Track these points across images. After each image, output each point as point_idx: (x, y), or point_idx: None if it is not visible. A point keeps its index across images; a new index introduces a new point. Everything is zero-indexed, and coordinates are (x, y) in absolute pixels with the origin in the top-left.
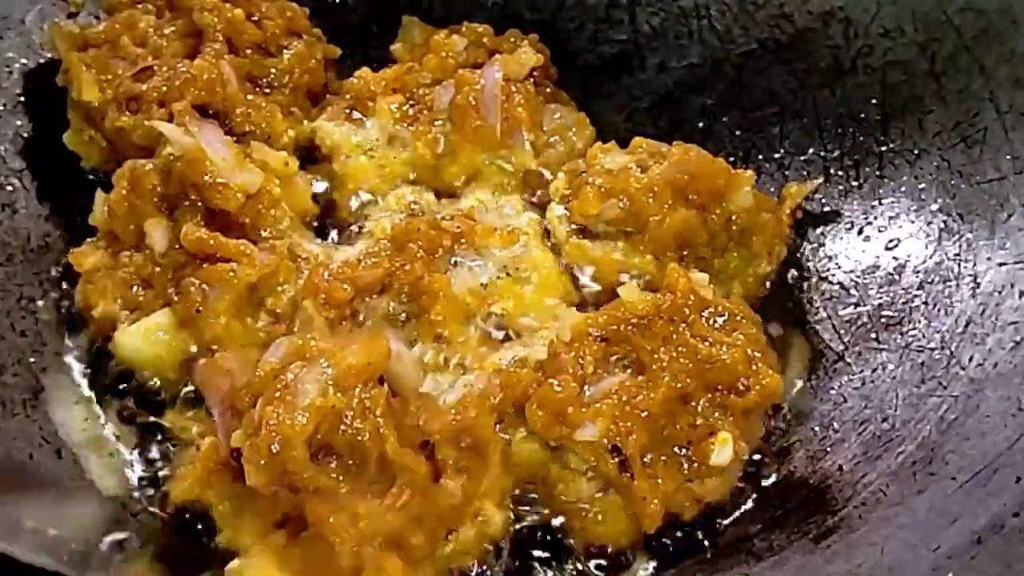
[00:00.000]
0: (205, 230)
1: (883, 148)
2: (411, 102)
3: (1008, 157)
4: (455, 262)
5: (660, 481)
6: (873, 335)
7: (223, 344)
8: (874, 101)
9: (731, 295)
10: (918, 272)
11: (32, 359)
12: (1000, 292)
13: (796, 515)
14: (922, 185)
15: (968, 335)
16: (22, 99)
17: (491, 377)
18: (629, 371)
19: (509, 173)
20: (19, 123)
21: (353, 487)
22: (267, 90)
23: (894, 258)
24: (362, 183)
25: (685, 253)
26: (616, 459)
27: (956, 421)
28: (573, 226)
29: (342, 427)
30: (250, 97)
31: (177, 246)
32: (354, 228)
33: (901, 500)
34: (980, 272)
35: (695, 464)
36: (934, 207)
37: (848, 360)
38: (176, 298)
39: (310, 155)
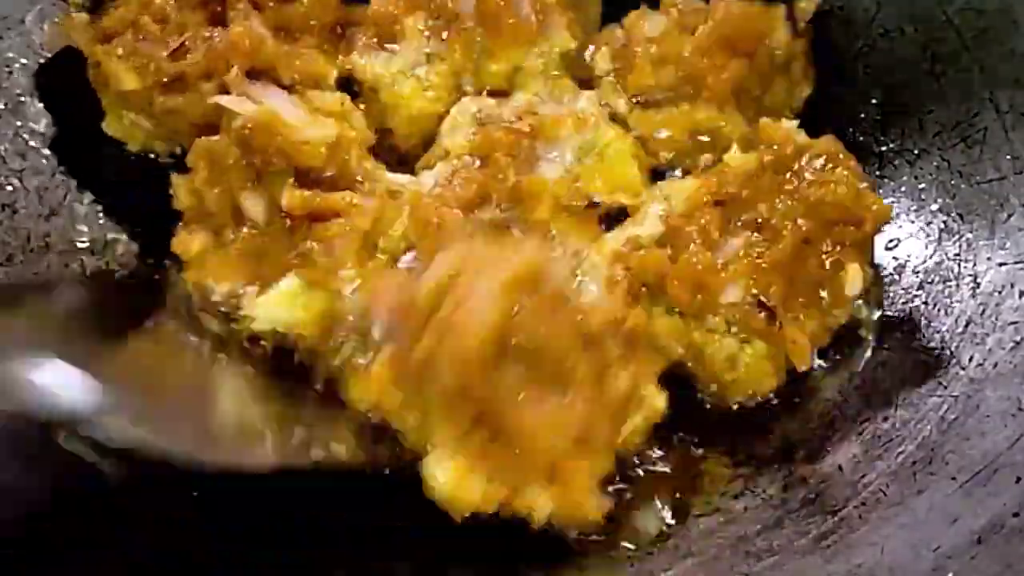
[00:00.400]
0: (304, 191)
1: (883, 148)
2: (435, 16)
3: (1008, 157)
4: (536, 158)
5: (803, 320)
6: (873, 335)
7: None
8: (874, 101)
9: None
10: (918, 272)
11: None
12: (1000, 292)
13: (796, 515)
14: (922, 185)
15: (968, 335)
16: (22, 99)
17: (614, 262)
18: (749, 229)
19: (552, 60)
20: (19, 123)
21: (536, 391)
22: (296, 36)
23: (894, 258)
24: (412, 107)
25: (743, 97)
26: (761, 312)
27: (956, 421)
28: (630, 99)
29: (519, 333)
30: (286, 48)
31: (281, 214)
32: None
33: (901, 500)
34: (980, 272)
35: (829, 298)
36: (934, 207)
37: (848, 360)
38: (295, 261)
39: (350, 91)
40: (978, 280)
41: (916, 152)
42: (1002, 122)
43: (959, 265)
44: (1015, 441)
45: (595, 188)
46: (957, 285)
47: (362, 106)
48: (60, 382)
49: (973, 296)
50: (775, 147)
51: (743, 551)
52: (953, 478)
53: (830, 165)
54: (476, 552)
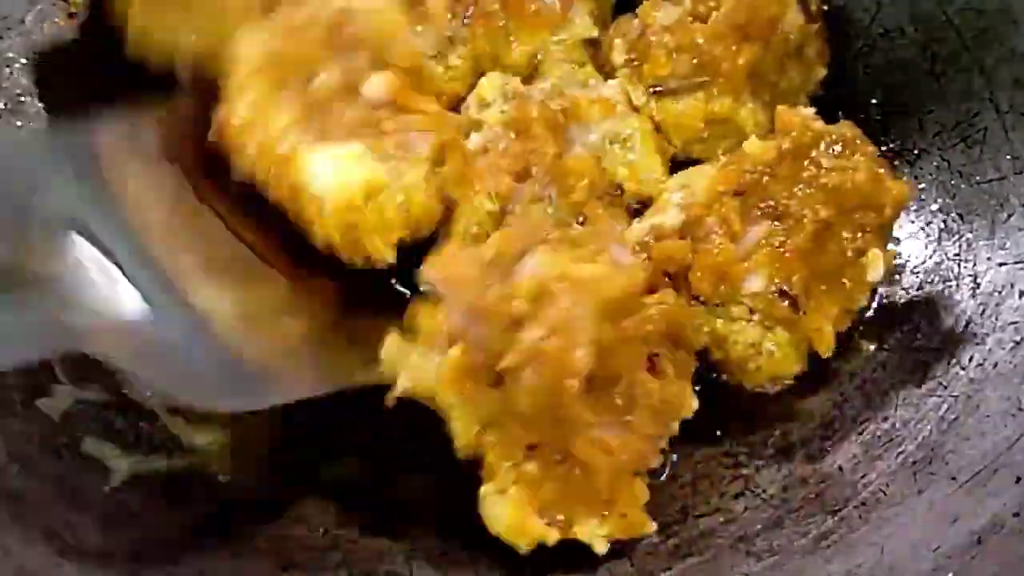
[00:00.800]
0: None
1: (883, 148)
2: None
3: (1008, 157)
4: (570, 139)
5: (825, 307)
6: (873, 335)
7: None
8: (874, 101)
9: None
10: (918, 272)
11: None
12: (1000, 292)
13: (796, 515)
14: (922, 185)
15: (968, 335)
16: (22, 99)
17: (638, 252)
18: (769, 218)
19: (574, 47)
20: (19, 123)
21: (606, 416)
22: None
23: (894, 258)
24: (436, 88)
25: (758, 84)
26: (784, 301)
27: (956, 421)
28: (647, 89)
29: (608, 363)
30: None
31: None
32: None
33: (901, 500)
34: (980, 272)
35: (851, 284)
36: (934, 207)
37: (848, 360)
38: (367, 131)
39: None
40: (978, 280)
41: (916, 152)
42: (1002, 122)
43: (959, 265)
44: (1015, 441)
45: (620, 176)
46: (957, 285)
47: None
48: None
49: (973, 296)
50: (793, 134)
51: (743, 551)
52: (953, 478)
53: (848, 151)
54: None
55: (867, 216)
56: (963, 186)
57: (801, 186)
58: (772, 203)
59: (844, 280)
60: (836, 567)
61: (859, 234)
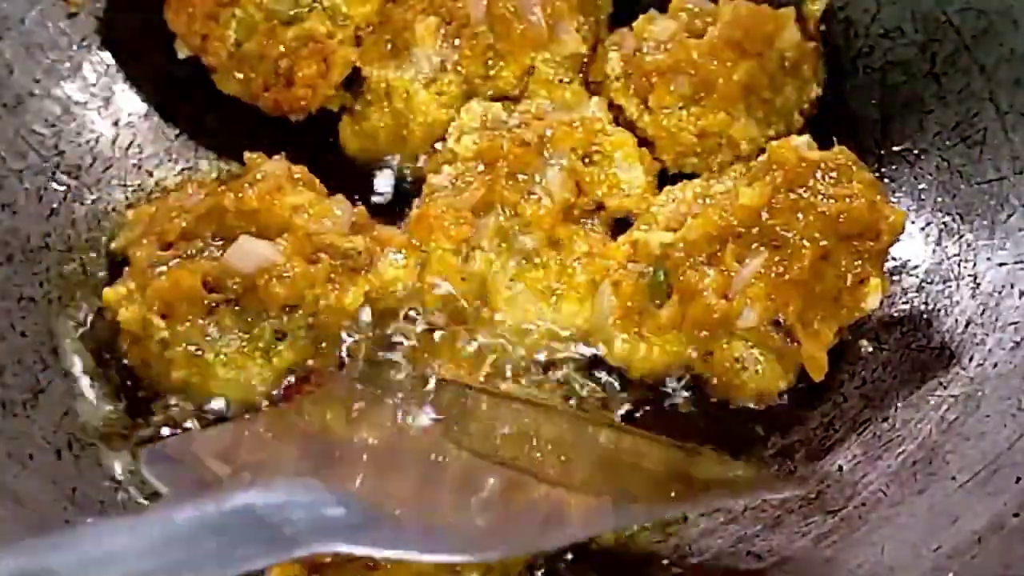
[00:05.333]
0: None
1: (883, 148)
2: (448, 21)
3: (1008, 157)
4: (542, 165)
5: (821, 333)
6: (873, 335)
7: None
8: (874, 101)
9: (791, 129)
10: (918, 272)
11: (32, 359)
12: (1000, 292)
13: (796, 515)
14: (922, 185)
15: (968, 335)
16: (22, 99)
17: (620, 268)
18: (764, 250)
19: (563, 65)
20: (19, 123)
21: None
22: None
23: (894, 258)
24: (428, 114)
25: (753, 99)
26: (777, 332)
27: (956, 421)
28: (640, 102)
29: None
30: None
31: None
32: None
33: (901, 500)
34: (980, 272)
35: (846, 311)
36: (934, 207)
37: (848, 360)
38: None
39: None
40: (978, 280)
41: (916, 152)
42: (1002, 122)
43: (959, 265)
44: (1015, 441)
45: (602, 193)
46: (957, 285)
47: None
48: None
49: (973, 296)
50: (786, 168)
51: (743, 551)
52: (953, 478)
53: (844, 178)
54: None
55: (864, 243)
56: (963, 186)
57: (799, 215)
58: (768, 235)
59: (840, 307)
60: (836, 567)
61: (856, 261)
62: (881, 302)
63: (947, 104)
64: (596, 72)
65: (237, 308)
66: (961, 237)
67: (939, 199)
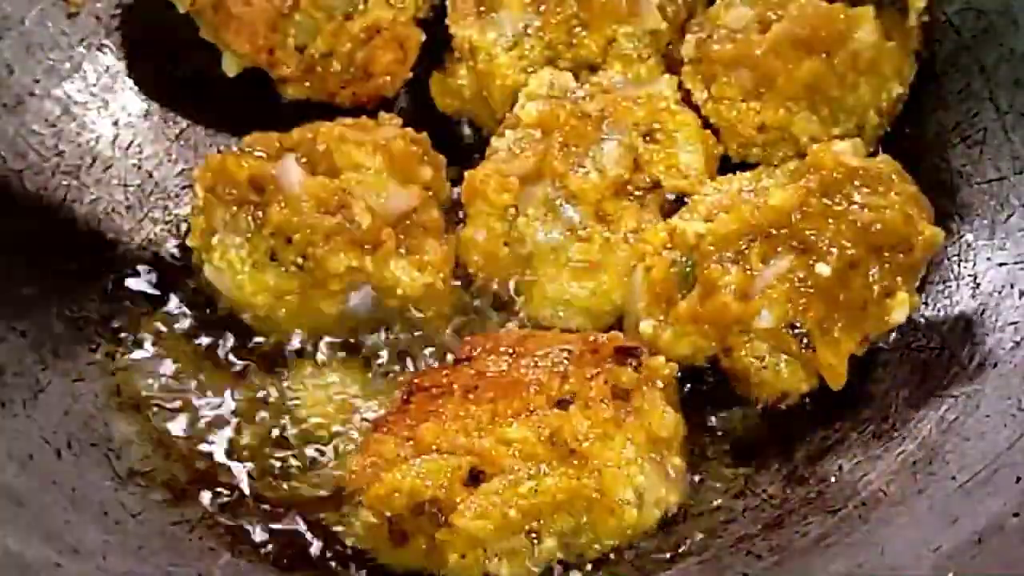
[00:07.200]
0: None
1: (882, 149)
2: None
3: (1008, 157)
4: (598, 139)
5: (840, 342)
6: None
7: None
8: None
9: (867, 126)
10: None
11: (32, 359)
12: (1000, 292)
13: (796, 515)
14: (922, 185)
15: (968, 335)
16: (22, 99)
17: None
18: (791, 254)
19: (642, 40)
20: (19, 123)
21: None
22: None
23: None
24: (507, 78)
25: (817, 98)
26: (795, 337)
27: (956, 421)
28: (707, 87)
29: None
30: None
31: None
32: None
33: (901, 500)
34: (980, 272)
35: (871, 322)
36: (934, 207)
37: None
38: None
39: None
40: (978, 280)
41: (916, 152)
42: (1002, 122)
43: (959, 265)
44: (1015, 441)
45: (659, 172)
46: (957, 285)
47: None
48: None
49: (973, 296)
50: (822, 172)
51: (743, 551)
52: (953, 478)
53: (883, 188)
54: None
55: (896, 256)
56: (963, 186)
57: (829, 221)
58: (797, 238)
59: (865, 318)
60: (836, 567)
61: (886, 273)
62: None
63: (947, 104)
64: (677, 52)
65: (258, 215)
66: (961, 237)
67: (939, 199)
